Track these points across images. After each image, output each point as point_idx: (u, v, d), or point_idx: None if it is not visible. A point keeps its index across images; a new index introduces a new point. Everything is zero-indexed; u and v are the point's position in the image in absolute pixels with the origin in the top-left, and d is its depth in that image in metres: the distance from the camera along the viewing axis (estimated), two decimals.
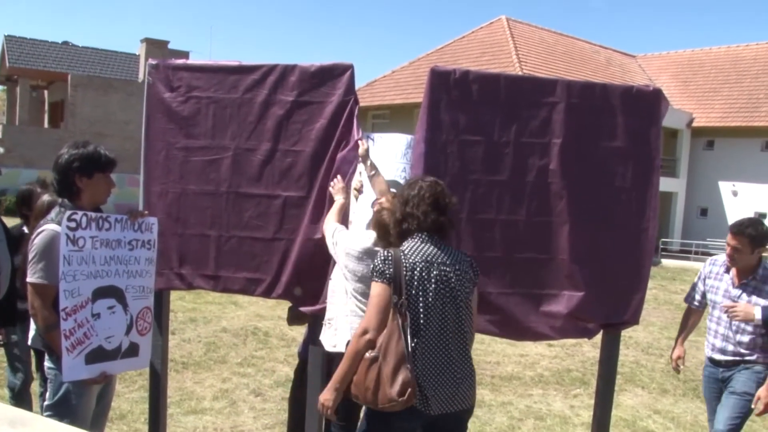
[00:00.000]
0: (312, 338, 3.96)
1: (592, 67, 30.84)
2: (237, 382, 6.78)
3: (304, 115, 3.86)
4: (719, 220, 28.24)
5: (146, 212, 3.78)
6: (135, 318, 3.64)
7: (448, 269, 3.00)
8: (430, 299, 2.95)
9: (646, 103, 3.81)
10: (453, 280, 3.00)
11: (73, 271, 3.31)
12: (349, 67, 3.80)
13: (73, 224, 3.30)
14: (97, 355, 3.44)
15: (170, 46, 32.95)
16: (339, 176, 3.76)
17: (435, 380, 2.95)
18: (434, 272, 2.97)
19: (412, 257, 2.98)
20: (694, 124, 29.03)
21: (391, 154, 3.95)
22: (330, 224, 3.66)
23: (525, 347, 8.80)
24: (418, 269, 2.95)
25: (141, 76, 31.18)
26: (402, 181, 3.85)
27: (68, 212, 3.30)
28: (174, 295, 4.27)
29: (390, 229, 3.18)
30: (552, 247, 3.74)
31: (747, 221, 4.23)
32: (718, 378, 4.36)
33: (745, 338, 4.17)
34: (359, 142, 3.75)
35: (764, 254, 4.25)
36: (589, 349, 8.54)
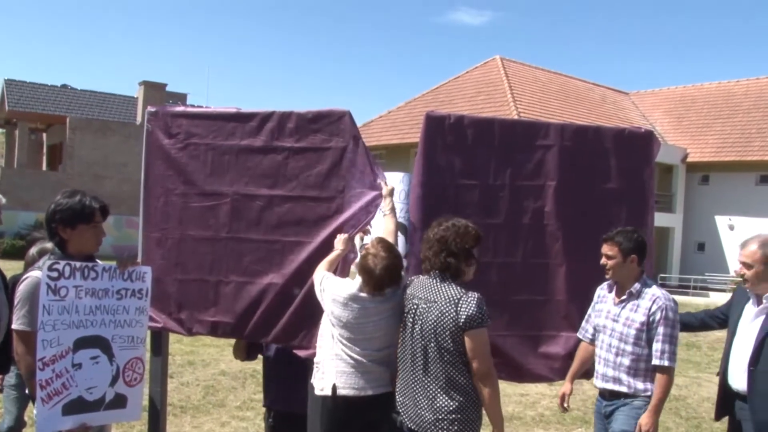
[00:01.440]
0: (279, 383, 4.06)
1: (587, 105, 31.18)
2: (236, 426, 6.71)
3: (302, 161, 3.91)
4: (717, 255, 28.29)
5: (138, 261, 3.75)
6: (122, 369, 3.56)
7: (423, 305, 3.28)
8: (407, 328, 3.35)
9: (639, 144, 3.88)
10: (425, 316, 3.26)
11: (53, 320, 3.28)
12: (345, 113, 3.86)
13: (54, 274, 3.28)
14: (76, 406, 3.37)
15: (168, 88, 33.32)
16: (344, 234, 3.78)
17: (402, 397, 3.40)
18: (412, 305, 3.33)
19: (409, 290, 3.43)
20: (689, 160, 29.25)
21: (395, 195, 3.99)
22: (319, 272, 3.68)
23: (525, 386, 8.73)
24: (408, 302, 3.39)
25: (139, 118, 31.45)
26: (407, 223, 3.89)
27: (49, 262, 3.30)
28: (172, 338, 4.26)
29: (375, 275, 3.37)
30: (549, 288, 3.77)
31: (621, 228, 3.80)
32: (602, 413, 3.93)
33: (626, 361, 3.73)
34: (383, 183, 3.78)
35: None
36: (590, 387, 8.46)
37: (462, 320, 3.16)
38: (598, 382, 3.87)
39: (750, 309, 3.94)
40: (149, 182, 4.11)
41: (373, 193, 3.77)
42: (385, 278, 3.40)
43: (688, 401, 8.75)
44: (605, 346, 3.80)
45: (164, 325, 4.09)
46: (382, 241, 3.52)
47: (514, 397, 8.24)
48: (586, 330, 3.96)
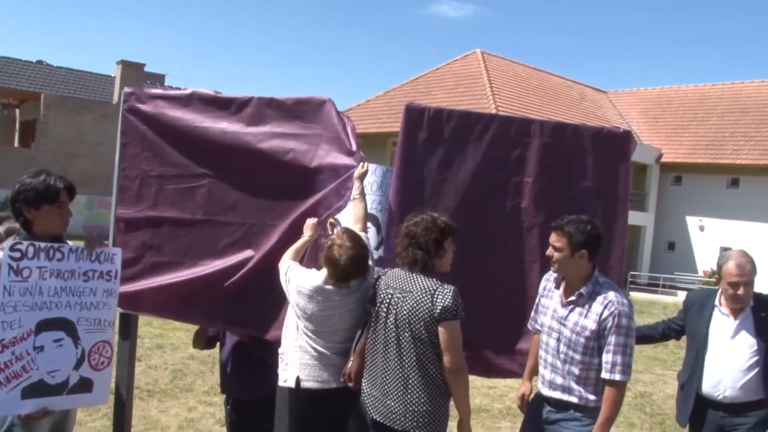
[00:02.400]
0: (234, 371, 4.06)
1: (565, 102, 31.38)
2: (203, 411, 6.68)
3: (280, 147, 3.88)
4: (686, 254, 28.76)
5: (106, 242, 3.67)
6: (88, 352, 3.48)
7: (398, 295, 3.27)
8: (380, 318, 3.32)
9: (616, 144, 3.90)
10: (400, 306, 3.25)
11: (14, 302, 3.21)
12: (324, 101, 3.84)
13: (17, 254, 3.21)
14: (37, 389, 3.29)
15: (146, 68, 32.89)
16: (314, 218, 3.76)
17: (370, 389, 3.37)
18: (386, 294, 3.32)
19: (383, 281, 3.41)
20: (663, 160, 29.64)
21: (366, 186, 3.97)
22: (285, 261, 3.66)
23: (493, 379, 8.80)
24: (380, 292, 3.37)
25: (116, 97, 30.99)
26: (378, 214, 3.88)
27: (12, 242, 3.23)
28: (141, 320, 4.22)
29: (339, 266, 3.38)
30: (523, 284, 3.79)
31: (574, 217, 3.44)
32: (542, 416, 3.57)
33: (576, 369, 3.39)
34: (359, 165, 3.74)
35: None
36: None
37: (437, 311, 3.17)
38: (544, 390, 3.54)
39: (724, 323, 3.97)
40: (124, 163, 4.06)
41: (345, 176, 3.75)
42: (350, 268, 3.39)
43: (654, 398, 8.89)
44: (551, 350, 3.50)
45: (135, 306, 4.04)
46: (347, 231, 3.52)
47: (482, 389, 8.29)
48: (534, 320, 3.72)
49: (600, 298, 3.35)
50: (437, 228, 3.31)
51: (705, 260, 27.95)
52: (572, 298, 3.41)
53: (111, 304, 3.57)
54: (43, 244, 3.30)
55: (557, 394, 3.47)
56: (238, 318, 3.94)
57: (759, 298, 3.96)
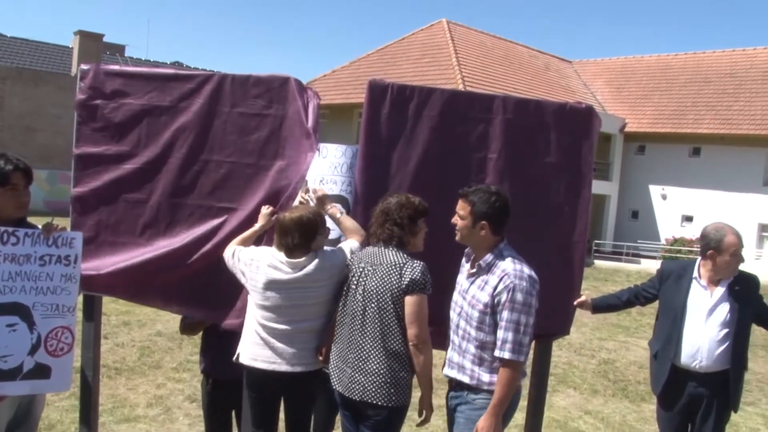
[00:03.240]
0: (214, 352, 4.04)
1: (531, 72, 31.46)
2: (172, 387, 6.67)
3: (240, 127, 3.83)
4: (649, 223, 29.28)
5: (61, 226, 3.61)
6: (44, 337, 3.44)
7: (369, 268, 3.34)
8: (350, 291, 3.39)
9: (579, 119, 3.92)
10: (369, 278, 3.31)
11: None
12: (286, 79, 3.79)
13: None
14: None
15: (105, 39, 32.09)
16: (270, 208, 3.72)
17: (336, 360, 3.42)
18: (358, 268, 3.37)
19: (356, 257, 3.47)
20: (627, 129, 29.98)
21: (336, 167, 3.95)
22: (231, 247, 3.65)
23: None
24: (353, 267, 3.42)
25: (74, 69, 30.25)
26: (348, 196, 3.87)
27: None
28: (107, 298, 4.17)
29: (290, 228, 3.41)
30: None
31: (483, 186, 3.34)
32: (449, 406, 3.46)
33: (471, 347, 3.24)
34: (312, 190, 3.75)
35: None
36: None
37: (405, 284, 3.23)
38: (445, 370, 3.42)
39: (702, 295, 4.06)
40: (81, 141, 3.97)
41: (306, 164, 3.71)
42: (291, 229, 3.38)
43: (617, 365, 9.11)
44: (453, 326, 3.38)
45: (90, 286, 3.97)
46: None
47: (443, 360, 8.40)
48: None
49: (498, 270, 3.19)
50: (411, 205, 3.39)
51: (667, 229, 28.53)
52: (473, 270, 3.31)
53: (71, 289, 3.53)
54: None
55: (453, 373, 3.35)
56: (194, 303, 3.91)
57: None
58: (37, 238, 3.40)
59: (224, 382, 4.03)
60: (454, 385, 3.39)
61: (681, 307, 4.09)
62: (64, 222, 3.78)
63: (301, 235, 3.39)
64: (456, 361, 3.33)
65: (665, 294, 4.23)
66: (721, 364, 3.98)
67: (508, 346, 3.10)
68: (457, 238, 3.35)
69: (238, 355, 3.56)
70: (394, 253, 3.33)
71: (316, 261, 3.42)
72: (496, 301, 3.15)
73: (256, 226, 3.71)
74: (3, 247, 3.30)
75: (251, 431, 3.68)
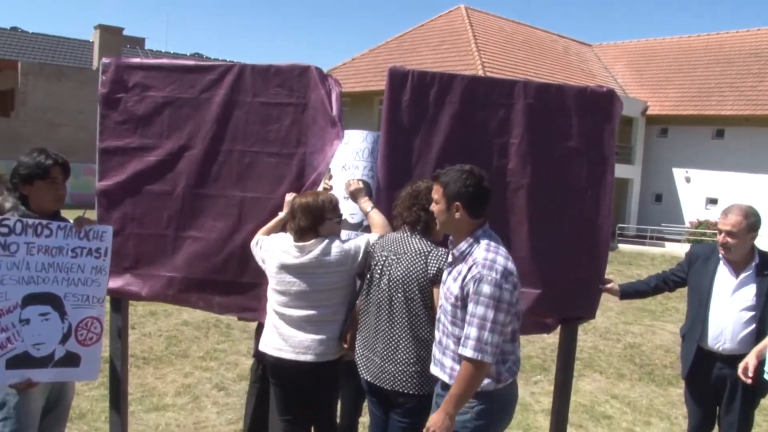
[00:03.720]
0: None
1: (550, 56, 31.16)
2: (199, 376, 6.75)
3: (262, 116, 3.85)
4: (673, 206, 28.95)
5: (94, 220, 3.70)
6: (75, 327, 3.55)
7: (392, 257, 3.31)
8: (374, 281, 3.37)
9: (601, 103, 3.89)
10: (393, 267, 3.28)
11: (1, 275, 3.31)
12: (307, 68, 3.80)
13: (4, 230, 3.30)
14: (22, 361, 3.39)
15: (125, 32, 32.31)
16: (294, 195, 3.73)
17: (362, 349, 3.42)
18: (381, 257, 3.36)
19: (378, 244, 3.44)
20: (649, 112, 29.60)
21: (357, 153, 3.96)
22: (256, 237, 3.70)
23: None
24: (376, 255, 3.40)
25: (95, 63, 30.51)
26: (370, 181, 3.88)
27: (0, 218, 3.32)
28: None
29: (318, 208, 3.44)
30: (511, 245, 3.80)
31: (457, 166, 3.08)
32: (435, 404, 3.20)
33: (450, 342, 3.00)
34: (348, 181, 3.75)
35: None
36: (549, 336, 8.69)
37: (432, 273, 3.21)
38: (431, 366, 3.18)
39: (727, 278, 4.06)
40: (104, 135, 4.02)
41: (331, 151, 3.73)
42: (298, 212, 3.43)
43: (643, 349, 9.05)
44: (436, 321, 3.17)
45: (119, 288, 4.05)
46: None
47: None
48: None
49: (470, 259, 2.94)
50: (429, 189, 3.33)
51: (691, 211, 28.18)
52: (450, 259, 3.09)
53: (100, 281, 3.61)
54: (31, 221, 3.38)
55: (436, 371, 3.13)
56: (228, 302, 3.97)
57: (762, 254, 4.06)
58: (70, 231, 3.50)
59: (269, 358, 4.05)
60: (439, 382, 3.16)
61: (707, 289, 4.08)
62: (89, 214, 3.85)
63: (308, 219, 3.42)
64: (438, 358, 3.11)
65: (693, 277, 4.21)
66: (745, 347, 3.94)
67: (470, 343, 2.82)
68: (438, 226, 3.18)
69: (265, 344, 3.61)
70: (418, 240, 3.32)
71: (323, 246, 3.42)
72: (465, 292, 2.89)
73: (281, 214, 3.74)
74: (37, 239, 3.40)
75: (277, 418, 3.72)
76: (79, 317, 3.56)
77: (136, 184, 4.00)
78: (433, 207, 3.10)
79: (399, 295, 3.26)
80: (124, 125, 3.99)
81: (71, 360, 3.54)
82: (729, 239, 3.95)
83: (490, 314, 2.81)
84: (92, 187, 4.10)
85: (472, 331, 2.82)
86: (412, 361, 3.26)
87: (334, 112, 3.70)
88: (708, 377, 4.12)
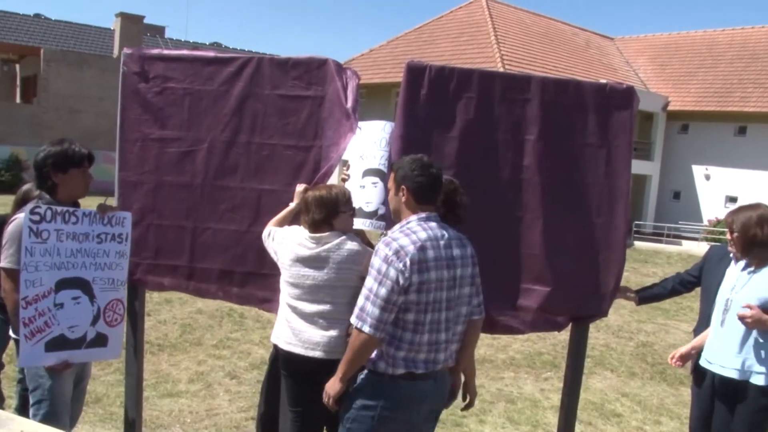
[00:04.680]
0: None
1: (571, 50, 30.93)
2: (212, 364, 6.83)
3: (280, 109, 3.87)
4: (692, 204, 28.69)
5: (116, 206, 3.84)
6: (103, 309, 3.74)
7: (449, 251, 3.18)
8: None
9: (619, 99, 3.87)
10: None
11: (36, 262, 3.44)
12: (325, 61, 3.81)
13: (36, 217, 3.43)
14: (59, 343, 3.58)
15: (146, 20, 32.49)
16: (304, 185, 3.74)
17: None
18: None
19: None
20: (670, 108, 29.30)
21: (375, 143, 3.97)
22: (267, 228, 3.72)
23: None
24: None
25: (116, 51, 30.70)
26: (386, 170, 3.89)
27: (32, 205, 3.45)
28: None
29: (335, 201, 3.46)
30: (525, 242, 3.81)
31: (413, 156, 3.19)
32: None
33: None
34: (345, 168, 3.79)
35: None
36: (561, 332, 8.69)
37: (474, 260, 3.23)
38: None
39: (735, 274, 3.96)
40: (125, 126, 4.06)
41: (345, 143, 3.74)
42: (312, 205, 3.47)
43: (655, 347, 9.03)
44: None
45: (139, 278, 4.11)
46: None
47: (486, 340, 8.42)
48: None
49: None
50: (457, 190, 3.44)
51: (710, 210, 27.91)
52: None
53: (123, 264, 3.81)
54: (59, 208, 3.52)
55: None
56: (246, 293, 4.00)
57: None
58: (94, 218, 3.66)
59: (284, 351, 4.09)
60: None
61: (715, 287, 4.03)
62: (109, 201, 3.92)
63: (322, 211, 3.45)
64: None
65: (705, 276, 4.18)
66: None
67: (356, 311, 2.95)
68: (392, 214, 3.25)
69: (277, 337, 3.64)
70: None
71: (339, 240, 3.44)
72: None
73: (292, 205, 3.75)
74: (65, 226, 3.54)
75: (287, 409, 3.75)
76: (107, 300, 3.76)
77: (155, 175, 4.04)
78: (389, 194, 3.21)
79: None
80: (145, 116, 4.02)
81: (100, 340, 3.75)
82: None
83: (375, 287, 2.89)
84: (112, 174, 4.18)
85: (360, 300, 2.95)
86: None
87: (349, 104, 3.71)
88: (712, 374, 4.04)
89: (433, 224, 3.05)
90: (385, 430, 3.05)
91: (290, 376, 3.65)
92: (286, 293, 3.57)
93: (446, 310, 3.03)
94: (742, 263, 3.81)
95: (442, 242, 3.01)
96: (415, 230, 2.98)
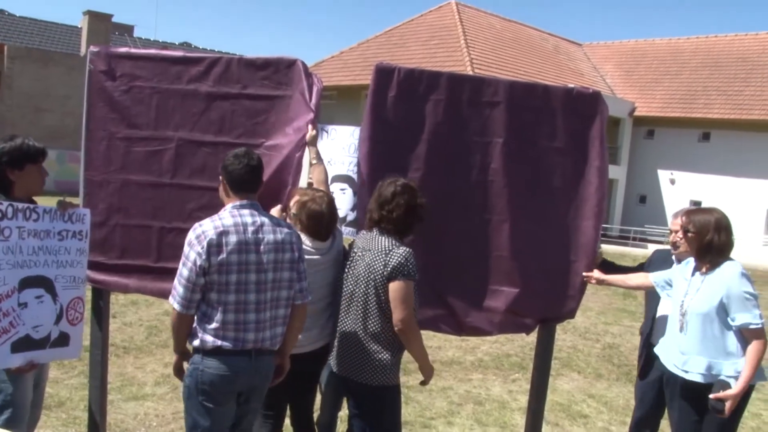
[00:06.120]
0: None
1: (540, 54, 31.26)
2: None
3: (249, 109, 3.86)
4: (657, 208, 29.20)
5: (77, 203, 3.74)
6: (65, 308, 3.65)
7: (360, 253, 3.44)
8: (347, 275, 3.50)
9: (586, 104, 3.93)
10: (358, 262, 3.42)
11: None
12: (294, 62, 3.81)
13: None
14: (24, 344, 3.47)
15: (114, 19, 32.06)
16: (279, 206, 3.75)
17: (336, 339, 3.55)
18: (353, 253, 3.49)
19: (355, 242, 3.56)
20: (636, 113, 29.81)
21: (344, 148, 3.98)
22: None
23: None
24: (351, 251, 3.54)
25: (83, 49, 30.25)
26: (354, 176, 3.90)
27: None
28: None
29: (325, 215, 3.52)
30: (493, 244, 3.84)
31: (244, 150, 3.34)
32: None
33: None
34: (309, 126, 3.75)
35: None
36: (529, 335, 8.76)
37: (389, 270, 3.29)
38: None
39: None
40: (91, 125, 4.00)
41: (303, 133, 3.75)
42: (326, 216, 3.53)
43: (621, 349, 9.13)
44: None
45: (104, 279, 4.05)
46: (310, 186, 3.66)
47: (455, 342, 8.46)
48: None
49: None
50: (415, 194, 3.47)
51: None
52: None
53: (83, 262, 3.71)
54: (20, 205, 3.40)
55: None
56: None
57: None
58: (55, 215, 3.56)
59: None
60: None
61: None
62: (75, 201, 3.85)
63: (332, 219, 3.55)
64: None
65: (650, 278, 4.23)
66: None
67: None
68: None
69: None
70: (385, 238, 3.40)
71: (335, 244, 3.59)
72: None
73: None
74: (26, 223, 3.43)
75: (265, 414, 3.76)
76: (69, 298, 3.65)
77: (122, 174, 3.99)
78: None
79: (359, 289, 3.40)
80: (111, 115, 3.98)
81: (63, 340, 3.64)
82: (678, 238, 3.99)
83: (180, 268, 3.12)
84: (77, 174, 4.10)
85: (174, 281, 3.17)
86: (361, 352, 3.39)
87: (313, 101, 3.72)
88: (655, 373, 4.19)
89: (245, 211, 3.18)
90: (208, 402, 3.16)
91: (287, 380, 3.68)
92: None
93: (257, 292, 3.13)
94: (691, 267, 3.83)
95: (251, 228, 3.13)
96: (222, 217, 3.16)
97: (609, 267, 4.26)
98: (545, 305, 3.97)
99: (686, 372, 3.69)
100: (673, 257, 4.19)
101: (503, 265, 3.84)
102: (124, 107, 3.96)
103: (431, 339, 8.59)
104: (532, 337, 4.30)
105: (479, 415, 6.05)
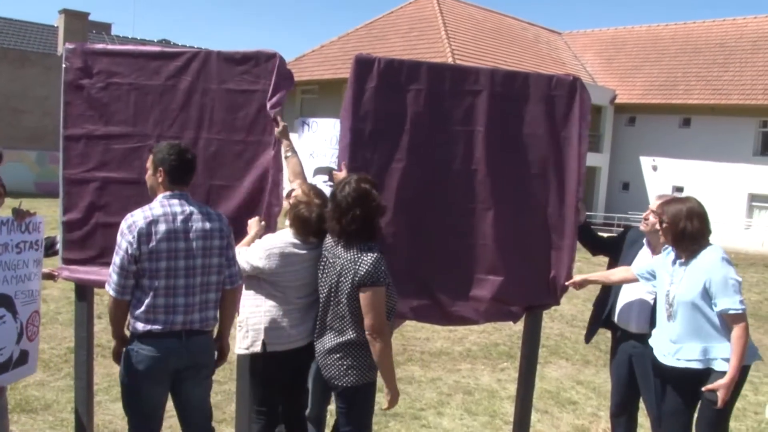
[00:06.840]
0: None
1: (520, 44, 31.30)
2: None
3: (228, 103, 3.83)
4: (640, 194, 29.35)
5: (33, 211, 3.57)
6: (25, 324, 3.44)
7: (331, 259, 3.39)
8: (320, 278, 3.48)
9: (566, 91, 3.93)
10: (329, 268, 3.39)
11: None
12: (273, 55, 3.78)
13: None
14: None
15: (91, 17, 31.69)
16: (257, 217, 3.76)
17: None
18: (324, 257, 3.46)
19: (324, 245, 3.50)
20: (617, 101, 29.95)
21: (326, 141, 3.97)
22: (242, 251, 3.63)
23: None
24: (324, 251, 3.48)
25: (60, 49, 29.85)
26: (336, 168, 3.88)
27: None
28: None
29: (312, 223, 3.50)
30: (477, 232, 3.84)
31: (170, 141, 3.49)
32: None
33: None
34: (277, 120, 3.77)
35: None
36: (517, 323, 8.78)
37: (358, 278, 3.25)
38: None
39: (644, 258, 4.11)
40: (68, 123, 3.95)
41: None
42: (313, 225, 3.50)
43: (608, 335, 9.07)
44: None
45: (86, 278, 3.98)
46: (313, 188, 3.58)
47: (442, 332, 8.47)
48: None
49: None
50: (373, 200, 3.40)
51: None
52: None
53: (39, 273, 3.55)
54: None
55: None
56: None
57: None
58: (12, 226, 3.34)
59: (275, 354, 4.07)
60: None
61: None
62: (54, 203, 3.77)
63: (320, 229, 3.51)
64: None
65: (621, 255, 4.32)
66: (647, 327, 4.05)
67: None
68: (149, 190, 3.45)
69: (248, 346, 3.65)
70: (352, 246, 3.33)
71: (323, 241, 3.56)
72: None
73: (251, 235, 3.74)
74: None
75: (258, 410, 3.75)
76: (27, 314, 3.47)
77: (101, 172, 3.94)
78: (146, 174, 3.42)
79: (332, 296, 3.37)
80: (89, 112, 3.92)
81: (23, 358, 3.45)
82: (651, 216, 4.03)
83: (114, 256, 3.24)
84: (58, 176, 4.03)
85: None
86: (336, 354, 3.38)
87: (275, 99, 3.76)
88: (622, 354, 4.27)
89: (175, 201, 3.29)
90: (142, 382, 3.27)
91: (278, 376, 3.69)
92: (275, 298, 3.59)
93: (186, 277, 3.23)
94: (672, 257, 3.84)
95: (180, 217, 3.24)
96: (152, 207, 3.28)
97: (587, 233, 4.37)
98: (530, 292, 3.98)
99: (679, 360, 3.70)
100: (644, 241, 4.22)
101: (488, 253, 3.84)
102: (101, 104, 3.91)
103: (419, 330, 8.60)
104: (520, 326, 4.32)
105: (469, 405, 6.07)
